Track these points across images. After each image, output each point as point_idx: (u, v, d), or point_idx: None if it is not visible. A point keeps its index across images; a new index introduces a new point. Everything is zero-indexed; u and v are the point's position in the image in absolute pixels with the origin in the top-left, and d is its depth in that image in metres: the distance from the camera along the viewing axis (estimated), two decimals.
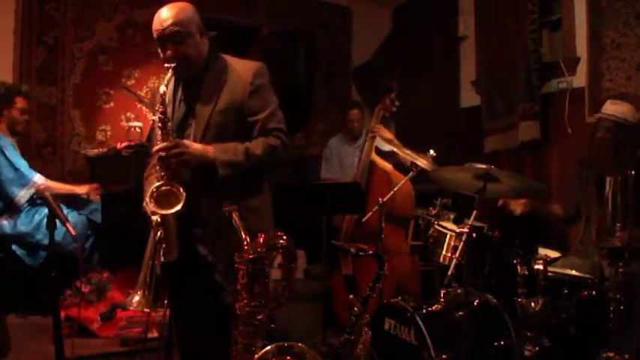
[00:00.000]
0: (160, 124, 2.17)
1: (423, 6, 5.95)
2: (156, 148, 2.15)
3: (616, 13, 3.88)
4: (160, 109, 2.16)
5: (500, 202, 3.44)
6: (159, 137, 2.17)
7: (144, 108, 5.30)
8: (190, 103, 2.28)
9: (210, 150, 2.16)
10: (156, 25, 2.22)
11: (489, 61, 5.02)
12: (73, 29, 5.12)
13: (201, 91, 2.26)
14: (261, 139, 2.24)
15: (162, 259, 2.10)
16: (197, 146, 2.17)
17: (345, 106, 5.29)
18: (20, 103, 4.18)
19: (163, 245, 2.07)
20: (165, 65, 2.21)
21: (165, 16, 2.20)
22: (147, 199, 2.09)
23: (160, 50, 2.24)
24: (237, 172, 2.18)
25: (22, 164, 4.06)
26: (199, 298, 2.25)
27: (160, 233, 2.06)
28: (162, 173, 2.11)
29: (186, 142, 2.17)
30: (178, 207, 2.03)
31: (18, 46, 4.85)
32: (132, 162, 4.38)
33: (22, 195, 3.96)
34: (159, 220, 2.07)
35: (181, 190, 2.06)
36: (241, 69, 2.30)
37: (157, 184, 2.09)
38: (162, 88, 2.18)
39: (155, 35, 2.23)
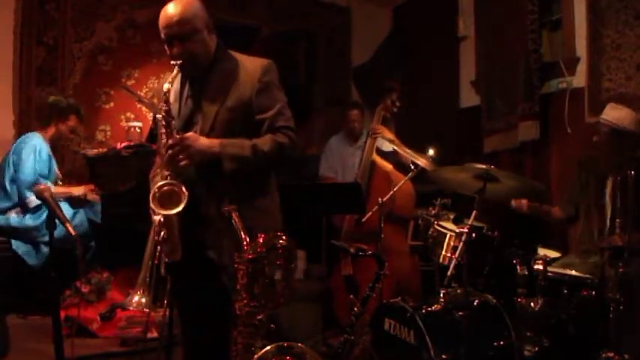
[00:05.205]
0: (163, 123, 2.14)
1: (423, 6, 5.95)
2: (161, 146, 2.13)
3: (616, 14, 3.88)
4: (164, 108, 2.13)
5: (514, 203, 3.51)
6: (163, 136, 2.15)
7: (144, 108, 5.29)
8: (197, 101, 2.25)
9: (216, 144, 2.14)
10: (162, 22, 2.20)
11: (489, 61, 5.01)
12: (73, 29, 5.12)
13: (208, 88, 2.24)
14: (268, 136, 2.21)
15: (165, 259, 2.08)
16: (203, 140, 2.14)
17: (345, 106, 5.28)
18: (73, 121, 4.32)
19: (166, 245, 2.05)
20: (172, 63, 2.18)
21: (171, 12, 2.17)
22: (150, 198, 2.06)
23: (166, 47, 2.22)
24: (243, 166, 2.16)
25: (44, 174, 4.14)
26: (204, 298, 2.22)
27: (164, 234, 2.03)
28: (167, 172, 2.09)
29: (191, 135, 2.14)
30: (180, 207, 2.00)
31: (18, 46, 4.85)
32: (131, 162, 4.38)
33: (33, 199, 3.99)
34: (161, 220, 2.04)
35: (184, 189, 2.03)
36: (250, 65, 2.27)
37: (160, 183, 2.06)
38: (166, 86, 2.14)
39: (162, 33, 2.20)
